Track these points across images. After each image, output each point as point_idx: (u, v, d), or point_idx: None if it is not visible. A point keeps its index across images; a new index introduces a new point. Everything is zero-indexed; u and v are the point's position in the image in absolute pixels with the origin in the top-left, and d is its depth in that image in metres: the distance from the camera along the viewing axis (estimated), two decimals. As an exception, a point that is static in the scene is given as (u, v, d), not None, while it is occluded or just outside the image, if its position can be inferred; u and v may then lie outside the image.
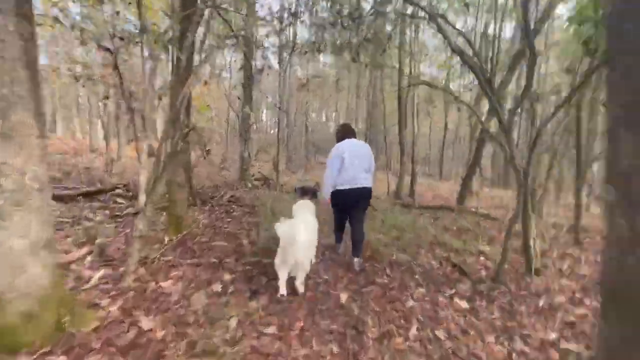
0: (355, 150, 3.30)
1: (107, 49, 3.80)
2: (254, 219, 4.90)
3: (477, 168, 7.89)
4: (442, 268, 3.44)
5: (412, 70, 8.72)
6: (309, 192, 3.48)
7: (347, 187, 3.22)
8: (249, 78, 7.40)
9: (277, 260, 2.52)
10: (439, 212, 7.22)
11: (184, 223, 3.62)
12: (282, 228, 2.49)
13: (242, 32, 4.82)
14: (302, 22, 7.77)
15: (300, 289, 2.60)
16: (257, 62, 7.23)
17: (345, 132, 3.55)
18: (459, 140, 20.02)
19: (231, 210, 5.36)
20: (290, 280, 2.61)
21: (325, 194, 3.39)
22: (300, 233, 2.45)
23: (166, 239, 3.38)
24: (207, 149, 5.84)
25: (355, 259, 3.30)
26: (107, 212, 4.57)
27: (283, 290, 2.50)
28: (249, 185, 7.86)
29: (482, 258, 3.92)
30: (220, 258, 3.06)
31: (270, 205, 5.66)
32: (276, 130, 15.09)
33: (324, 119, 37.38)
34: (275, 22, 6.10)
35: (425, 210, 7.28)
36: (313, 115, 31.92)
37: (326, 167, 3.37)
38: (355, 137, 3.53)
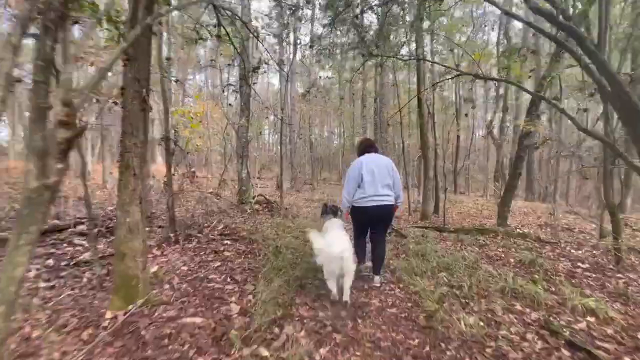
0: (373, 165, 3.14)
1: (33, 35, 2.67)
2: (251, 262, 3.65)
3: (517, 181, 6.61)
4: (551, 350, 2.13)
5: (433, 66, 7.59)
6: (330, 210, 3.58)
7: (364, 204, 3.09)
8: (244, 78, 6.26)
9: (327, 275, 2.69)
10: (479, 235, 5.91)
11: (142, 284, 2.37)
12: (323, 246, 2.69)
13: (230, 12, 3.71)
14: (301, 20, 6.77)
15: (348, 298, 2.67)
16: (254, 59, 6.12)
17: (366, 147, 3.43)
18: (475, 150, 18.61)
19: (222, 249, 4.11)
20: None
21: (344, 208, 3.32)
22: (342, 246, 2.66)
23: (107, 315, 2.14)
24: (192, 169, 4.67)
25: (376, 277, 3.22)
26: (50, 261, 3.36)
27: (336, 295, 2.68)
28: (248, 210, 6.63)
29: (590, 319, 2.61)
30: (186, 358, 1.79)
31: (274, 239, 4.42)
32: (279, 147, 13.95)
33: (326, 133, 36.43)
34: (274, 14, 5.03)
35: (463, 234, 5.98)
36: (316, 131, 30.97)
37: (345, 181, 3.25)
38: (376, 151, 3.40)
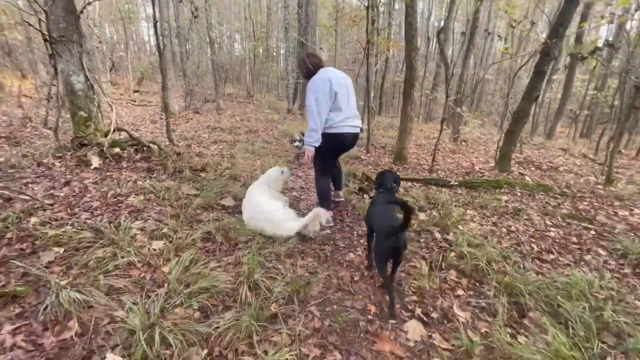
0: (343, 82, 2.51)
1: None
2: None
3: (532, 108, 4.72)
4: None
5: None
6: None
7: (341, 130, 2.50)
8: None
9: None
10: (493, 191, 4.01)
11: None
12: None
13: None
14: None
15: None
16: None
17: (320, 61, 2.60)
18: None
19: None
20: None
21: (312, 142, 2.46)
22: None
23: None
24: None
25: (340, 192, 3.05)
26: None
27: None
28: (95, 163, 3.18)
29: None
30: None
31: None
32: (167, 47, 8.88)
33: (225, 39, 29.37)
34: None
35: (474, 190, 3.99)
36: (216, 31, 24.27)
37: (311, 106, 2.39)
38: None
